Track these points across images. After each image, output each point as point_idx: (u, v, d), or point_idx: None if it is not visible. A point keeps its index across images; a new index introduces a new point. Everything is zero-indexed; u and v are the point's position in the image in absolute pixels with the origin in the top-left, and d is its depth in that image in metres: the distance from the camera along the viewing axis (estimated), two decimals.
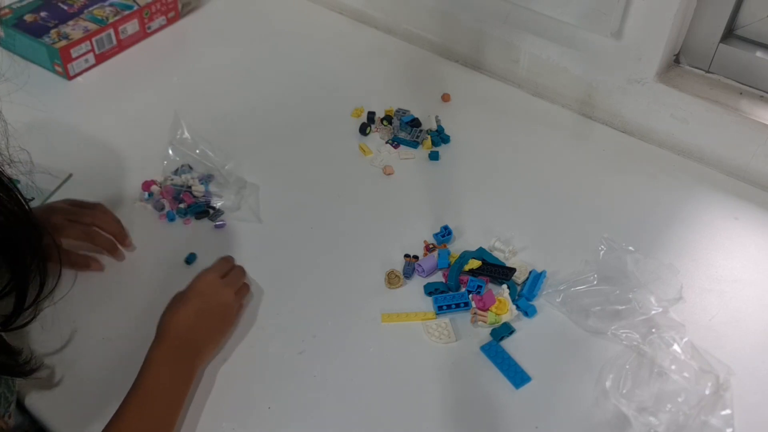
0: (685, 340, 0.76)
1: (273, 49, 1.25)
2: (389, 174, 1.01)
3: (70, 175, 0.98)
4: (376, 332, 0.80)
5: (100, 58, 1.20)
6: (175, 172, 0.98)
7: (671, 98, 1.01)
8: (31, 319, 0.66)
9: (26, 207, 0.61)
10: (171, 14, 1.29)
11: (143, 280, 0.85)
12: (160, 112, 1.06)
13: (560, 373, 0.77)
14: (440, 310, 0.81)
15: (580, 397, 0.74)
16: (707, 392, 0.71)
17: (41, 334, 0.77)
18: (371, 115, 1.09)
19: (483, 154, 1.04)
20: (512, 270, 0.84)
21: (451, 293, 0.83)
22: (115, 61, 1.21)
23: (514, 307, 0.81)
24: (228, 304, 0.78)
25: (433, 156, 1.03)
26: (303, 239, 0.91)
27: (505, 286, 0.83)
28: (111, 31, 1.20)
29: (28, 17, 1.20)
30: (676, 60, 1.04)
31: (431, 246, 0.89)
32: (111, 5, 1.23)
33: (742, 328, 0.81)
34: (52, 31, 1.17)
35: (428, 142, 1.04)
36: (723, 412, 0.71)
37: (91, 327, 0.80)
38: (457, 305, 0.81)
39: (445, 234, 0.90)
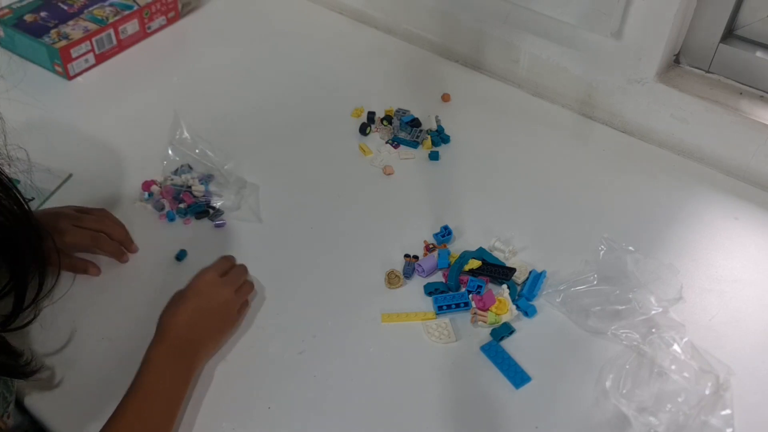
0: (685, 340, 0.76)
1: (273, 49, 1.25)
2: (389, 174, 1.01)
3: (70, 175, 0.98)
4: (376, 332, 0.80)
5: (100, 58, 1.20)
6: (175, 172, 0.98)
7: (671, 98, 1.01)
8: (32, 320, 0.66)
9: (26, 207, 0.61)
10: (171, 14, 1.29)
11: (143, 280, 0.85)
12: (160, 112, 1.06)
13: (560, 373, 0.77)
14: (440, 310, 0.81)
15: (580, 397, 0.74)
16: (707, 392, 0.71)
17: (41, 334, 0.77)
18: (371, 115, 1.09)
19: (483, 154, 1.04)
20: (512, 270, 0.84)
21: (451, 293, 0.83)
22: (115, 61, 1.21)
23: (514, 307, 0.81)
24: (227, 303, 0.78)
25: (433, 156, 1.03)
26: (303, 239, 0.91)
27: (505, 286, 0.83)
28: (111, 31, 1.20)
29: (28, 17, 1.20)
30: (676, 60, 1.04)
31: (431, 246, 0.89)
32: (111, 5, 1.23)
33: (742, 328, 0.81)
34: (52, 31, 1.17)
35: (428, 142, 1.04)
36: (723, 412, 0.70)
37: (91, 327, 0.80)
38: (457, 305, 0.81)
39: (445, 234, 0.90)
